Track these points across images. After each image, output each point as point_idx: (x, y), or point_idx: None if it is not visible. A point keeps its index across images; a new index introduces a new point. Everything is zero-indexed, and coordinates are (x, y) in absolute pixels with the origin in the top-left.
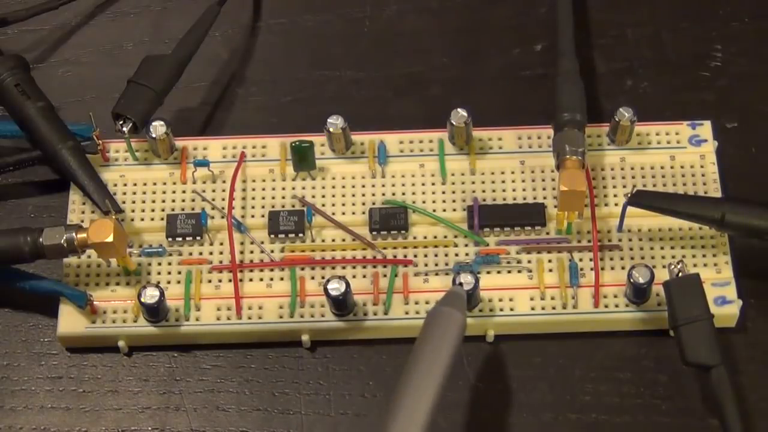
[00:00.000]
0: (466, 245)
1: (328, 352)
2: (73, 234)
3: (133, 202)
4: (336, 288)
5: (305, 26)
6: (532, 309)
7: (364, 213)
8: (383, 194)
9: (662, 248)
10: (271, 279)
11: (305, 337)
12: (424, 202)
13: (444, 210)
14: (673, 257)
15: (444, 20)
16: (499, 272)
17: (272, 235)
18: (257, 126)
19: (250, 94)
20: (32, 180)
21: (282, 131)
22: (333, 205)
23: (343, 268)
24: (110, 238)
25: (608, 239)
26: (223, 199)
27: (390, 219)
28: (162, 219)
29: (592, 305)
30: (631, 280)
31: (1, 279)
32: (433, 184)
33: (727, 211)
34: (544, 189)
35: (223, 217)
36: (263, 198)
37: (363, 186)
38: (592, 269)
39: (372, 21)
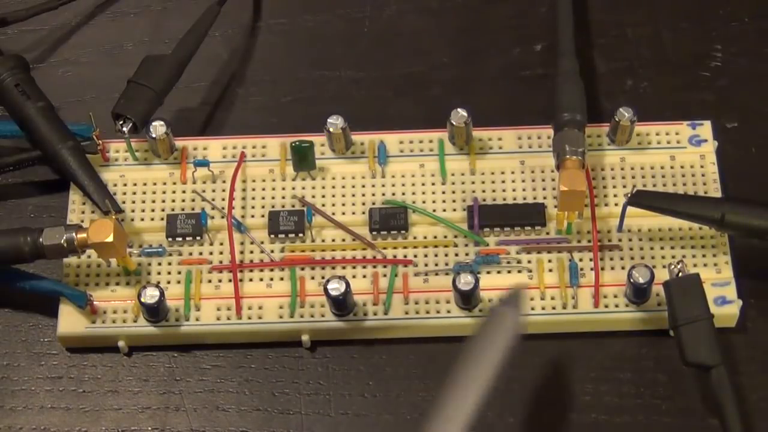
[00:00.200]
0: (466, 245)
1: (328, 352)
2: (73, 234)
3: (133, 202)
4: (336, 288)
5: (305, 26)
6: (532, 309)
7: (364, 213)
8: (383, 194)
9: (662, 248)
10: (271, 279)
11: (305, 337)
12: (424, 202)
13: (444, 210)
14: (673, 257)
15: (444, 20)
16: (499, 272)
17: (272, 235)
18: (257, 126)
19: (250, 94)
20: (32, 180)
21: (282, 131)
22: (333, 205)
23: (343, 268)
24: (110, 238)
25: (608, 239)
26: (223, 199)
27: (390, 219)
28: (162, 219)
29: (592, 305)
30: (631, 280)
31: (1, 279)
32: (433, 184)
33: (727, 211)
34: (544, 189)
35: (223, 217)
36: (263, 198)
37: (363, 186)
38: (592, 269)
39: (372, 21)
